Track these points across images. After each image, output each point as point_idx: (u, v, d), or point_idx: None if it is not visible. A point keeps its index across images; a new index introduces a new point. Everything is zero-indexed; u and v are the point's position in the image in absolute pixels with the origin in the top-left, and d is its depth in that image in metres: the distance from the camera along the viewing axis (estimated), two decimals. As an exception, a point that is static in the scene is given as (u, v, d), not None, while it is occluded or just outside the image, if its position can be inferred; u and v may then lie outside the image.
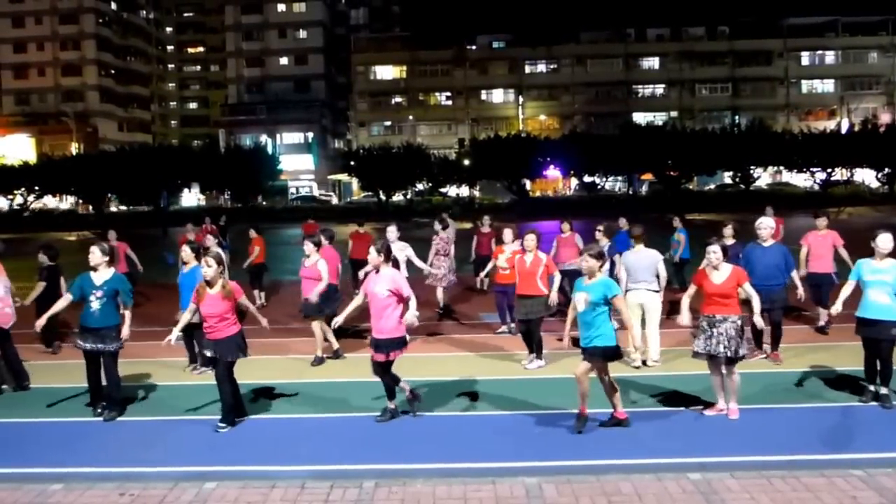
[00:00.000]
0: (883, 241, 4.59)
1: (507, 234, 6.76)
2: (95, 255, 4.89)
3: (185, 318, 5.04)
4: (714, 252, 4.60)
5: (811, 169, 34.02)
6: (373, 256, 4.75)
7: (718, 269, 4.61)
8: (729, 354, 4.46)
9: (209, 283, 4.69)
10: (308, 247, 6.44)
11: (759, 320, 4.75)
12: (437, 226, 8.56)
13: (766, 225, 5.83)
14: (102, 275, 4.90)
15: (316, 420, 4.87)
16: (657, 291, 5.77)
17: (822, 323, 7.00)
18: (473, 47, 49.11)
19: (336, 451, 4.29)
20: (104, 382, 4.99)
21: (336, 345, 6.40)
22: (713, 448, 4.12)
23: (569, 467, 3.91)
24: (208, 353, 4.81)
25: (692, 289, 4.79)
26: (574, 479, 3.76)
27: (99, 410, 4.97)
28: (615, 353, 4.38)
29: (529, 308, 5.84)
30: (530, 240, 5.91)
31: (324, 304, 6.31)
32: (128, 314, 4.99)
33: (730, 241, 6.51)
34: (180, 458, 4.23)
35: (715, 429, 4.46)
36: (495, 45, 49.71)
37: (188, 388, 5.67)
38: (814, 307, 7.22)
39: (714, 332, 4.50)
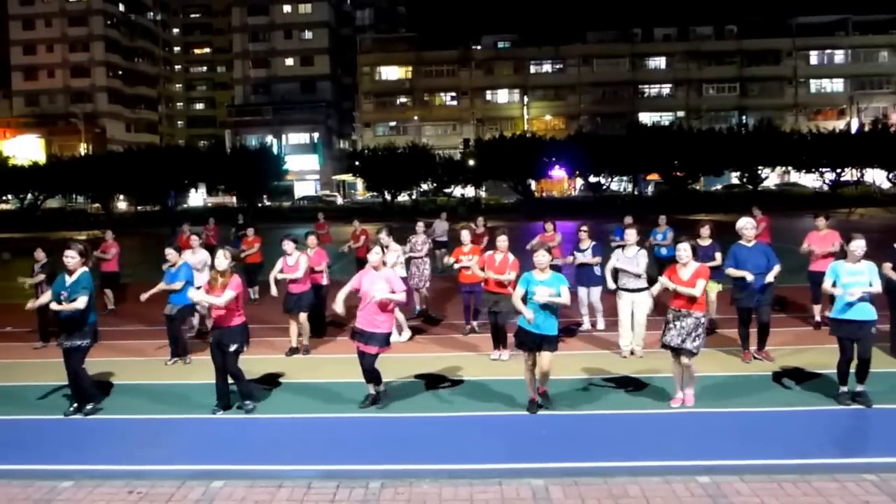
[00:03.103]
0: (856, 245, 4.86)
1: (465, 235, 7.28)
2: (73, 259, 4.92)
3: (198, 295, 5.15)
4: (684, 250, 4.90)
5: (820, 169, 33.68)
6: (377, 256, 4.95)
7: (686, 267, 4.88)
8: (683, 346, 4.72)
9: (222, 275, 4.98)
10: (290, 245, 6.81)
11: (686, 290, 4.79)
12: (419, 226, 8.86)
13: (751, 225, 5.94)
14: (73, 277, 4.96)
15: (323, 420, 4.88)
16: (645, 289, 6.19)
17: (818, 318, 7.18)
18: (478, 48, 49.06)
19: (343, 451, 4.29)
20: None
21: (307, 342, 6.75)
22: (722, 451, 4.09)
23: (576, 469, 3.88)
24: (210, 339, 5.05)
25: (664, 279, 5.01)
26: (581, 480, 3.74)
27: (71, 409, 5.02)
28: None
29: (499, 302, 6.17)
30: (502, 241, 6.31)
31: (309, 300, 6.75)
32: (81, 302, 4.83)
33: (706, 242, 6.83)
34: (188, 457, 4.24)
35: (724, 431, 4.43)
36: (500, 45, 49.63)
37: (195, 387, 5.69)
38: (811, 306, 7.33)
39: (677, 325, 4.78)
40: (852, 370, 4.84)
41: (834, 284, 4.82)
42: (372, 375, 4.99)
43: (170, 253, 6.55)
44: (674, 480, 3.71)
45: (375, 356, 4.93)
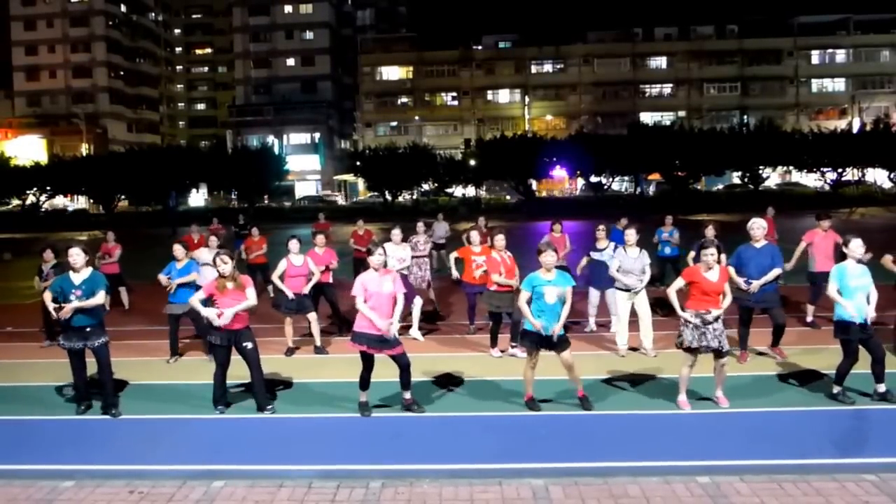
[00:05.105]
0: (856, 244, 4.87)
1: (475, 236, 7.21)
2: (80, 256, 4.95)
3: (196, 305, 5.07)
4: (711, 254, 4.87)
5: (821, 169, 33.66)
6: (380, 258, 4.86)
7: (713, 269, 4.86)
8: (723, 349, 4.74)
9: (226, 279, 4.97)
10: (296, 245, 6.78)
11: (717, 312, 4.77)
12: (420, 226, 8.80)
13: (759, 225, 5.92)
14: (81, 275, 4.98)
15: (323, 420, 4.88)
16: (643, 289, 6.29)
17: (810, 319, 7.27)
18: (479, 47, 49.06)
19: (343, 450, 4.30)
20: (91, 379, 5.08)
21: (291, 342, 6.73)
22: (722, 451, 4.09)
23: (576, 469, 3.89)
24: (214, 341, 5.00)
25: (680, 282, 4.94)
26: (581, 480, 3.74)
27: (82, 408, 5.05)
28: None
29: (503, 301, 6.28)
30: (500, 240, 6.36)
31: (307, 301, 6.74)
32: (101, 297, 4.95)
33: None
34: (189, 457, 4.25)
35: (724, 431, 4.43)
36: (501, 45, 49.61)
37: (196, 386, 5.69)
38: (806, 305, 7.43)
39: (707, 328, 4.73)
40: (855, 371, 4.83)
41: (839, 290, 4.78)
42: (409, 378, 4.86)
43: (178, 249, 6.51)
44: (674, 480, 3.71)
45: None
